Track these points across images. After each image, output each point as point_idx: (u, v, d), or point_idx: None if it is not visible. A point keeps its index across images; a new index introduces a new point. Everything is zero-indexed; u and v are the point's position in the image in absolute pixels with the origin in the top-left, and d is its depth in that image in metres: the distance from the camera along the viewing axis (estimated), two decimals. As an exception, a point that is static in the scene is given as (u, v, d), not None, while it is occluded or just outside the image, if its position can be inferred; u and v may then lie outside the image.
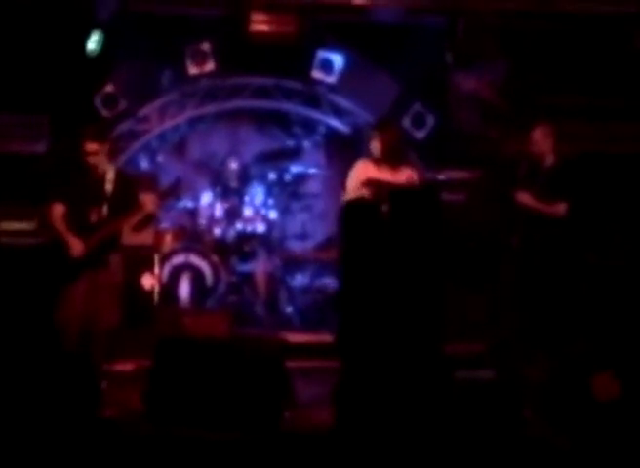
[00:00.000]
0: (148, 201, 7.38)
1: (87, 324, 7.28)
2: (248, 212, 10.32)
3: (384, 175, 7.48)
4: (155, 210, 7.53)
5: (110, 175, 7.42)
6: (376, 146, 7.56)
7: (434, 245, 6.73)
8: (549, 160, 7.91)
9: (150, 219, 7.66)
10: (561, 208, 7.72)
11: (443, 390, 6.52)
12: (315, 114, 10.85)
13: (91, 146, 7.31)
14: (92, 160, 7.34)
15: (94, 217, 7.34)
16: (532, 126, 8.02)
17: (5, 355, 7.04)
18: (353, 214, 6.40)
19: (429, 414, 6.32)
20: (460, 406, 6.41)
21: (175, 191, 8.33)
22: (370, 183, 7.33)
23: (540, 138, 7.88)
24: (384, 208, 6.83)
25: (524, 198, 7.78)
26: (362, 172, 7.58)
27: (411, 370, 6.36)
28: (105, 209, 7.34)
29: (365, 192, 7.29)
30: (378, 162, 7.61)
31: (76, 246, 7.25)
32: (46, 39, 9.36)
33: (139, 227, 7.70)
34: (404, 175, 7.56)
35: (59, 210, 7.35)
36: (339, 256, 7.32)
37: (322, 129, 11.04)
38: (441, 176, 9.39)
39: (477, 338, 8.51)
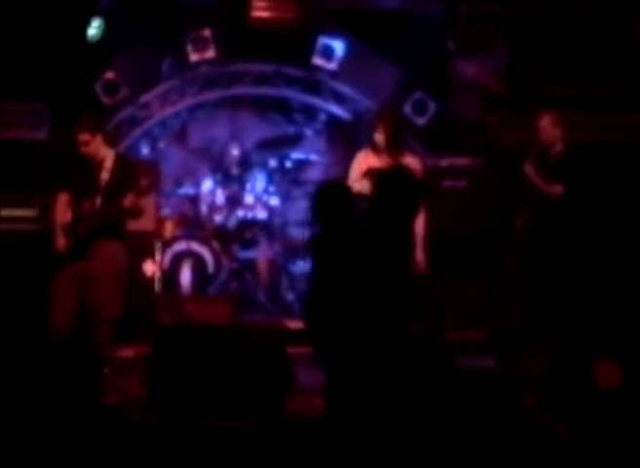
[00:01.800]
0: (126, 199, 7.27)
1: (83, 313, 7.27)
2: (249, 198, 10.33)
3: (386, 163, 7.50)
4: (133, 207, 7.41)
5: (108, 163, 7.36)
6: (380, 137, 7.57)
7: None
8: (557, 147, 7.92)
9: (138, 212, 7.57)
10: (558, 189, 7.77)
11: (444, 377, 6.54)
12: (316, 101, 10.82)
13: (83, 136, 7.25)
14: (85, 150, 7.28)
15: (86, 209, 7.30)
16: (536, 114, 8.05)
17: (6, 341, 7.06)
18: (327, 197, 6.36)
19: (430, 401, 6.34)
20: (460, 393, 6.42)
21: (152, 186, 8.14)
22: (370, 173, 7.36)
23: (549, 126, 7.92)
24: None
25: (529, 170, 7.83)
26: (363, 162, 7.62)
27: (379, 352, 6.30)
28: (99, 199, 7.29)
29: (366, 182, 7.32)
30: (378, 151, 7.62)
31: (59, 243, 7.24)
32: (47, 26, 9.33)
33: (132, 215, 7.60)
34: (406, 163, 7.57)
35: (64, 199, 7.33)
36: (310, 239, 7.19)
37: (323, 116, 11.02)
38: (443, 163, 9.38)
39: (478, 326, 8.52)
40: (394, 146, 7.58)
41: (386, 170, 7.32)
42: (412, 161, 7.65)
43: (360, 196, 7.13)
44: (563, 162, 7.86)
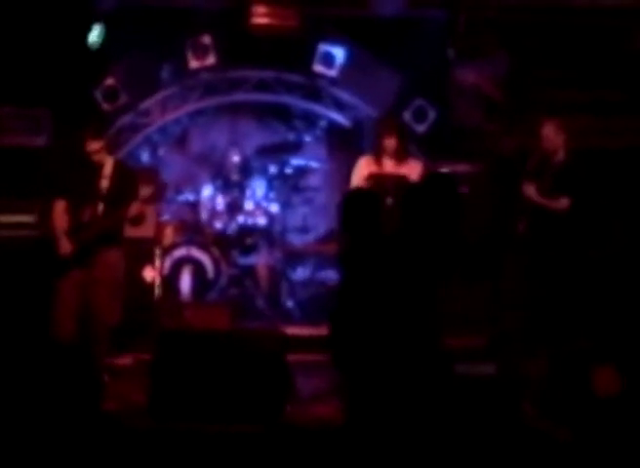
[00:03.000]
0: (133, 206, 7.29)
1: (85, 319, 7.28)
2: (249, 205, 10.31)
3: (387, 169, 7.52)
4: (138, 215, 7.44)
5: (107, 170, 7.38)
6: (390, 142, 7.57)
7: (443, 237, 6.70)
8: (560, 156, 7.85)
9: (141, 219, 7.59)
10: (564, 202, 7.68)
11: (443, 384, 6.53)
12: (316, 108, 10.83)
13: (94, 144, 7.28)
14: (96, 158, 7.33)
15: (86, 216, 7.30)
16: (536, 120, 8.01)
17: (5, 348, 7.05)
18: (354, 204, 6.38)
19: (429, 408, 6.33)
20: (460, 399, 6.42)
21: (159, 195, 8.18)
22: (372, 178, 7.38)
23: (552, 134, 7.81)
24: (389, 201, 6.83)
25: (529, 191, 7.71)
26: (364, 167, 7.63)
27: (407, 365, 6.33)
28: (101, 207, 7.30)
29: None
30: (380, 157, 7.63)
31: (64, 247, 7.24)
32: (47, 32, 9.34)
33: (135, 222, 7.64)
34: (407, 168, 7.60)
35: (61, 206, 7.34)
36: (338, 247, 7.29)
37: (323, 122, 11.02)
38: (444, 170, 9.39)
39: (478, 332, 8.52)
40: (403, 152, 7.61)
41: (390, 176, 7.37)
42: (415, 166, 7.67)
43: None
44: (566, 171, 7.76)
